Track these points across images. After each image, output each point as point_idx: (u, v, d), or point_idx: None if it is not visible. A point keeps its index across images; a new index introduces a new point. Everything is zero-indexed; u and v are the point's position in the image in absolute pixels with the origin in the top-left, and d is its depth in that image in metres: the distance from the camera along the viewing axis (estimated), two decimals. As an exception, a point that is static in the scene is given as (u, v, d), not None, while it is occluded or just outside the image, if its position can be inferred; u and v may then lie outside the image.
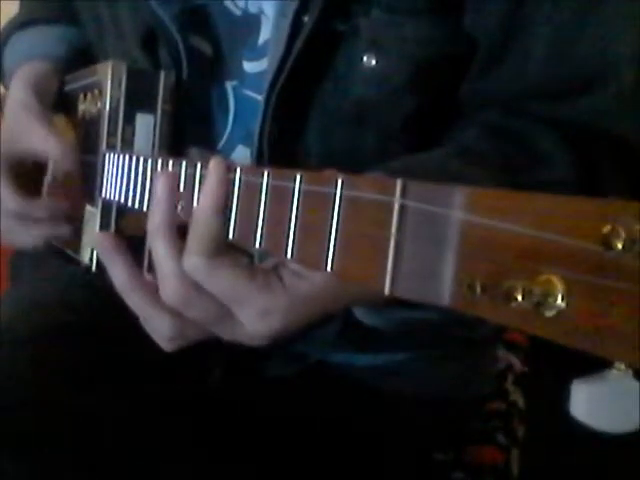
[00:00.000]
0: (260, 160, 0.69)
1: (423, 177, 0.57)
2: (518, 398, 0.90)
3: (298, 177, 0.39)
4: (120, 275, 0.52)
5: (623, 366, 0.26)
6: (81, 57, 0.82)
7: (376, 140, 0.68)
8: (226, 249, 0.47)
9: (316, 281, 0.46)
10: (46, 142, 0.71)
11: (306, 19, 0.63)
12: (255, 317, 0.47)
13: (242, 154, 0.74)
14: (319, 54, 0.65)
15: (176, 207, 0.51)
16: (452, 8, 0.65)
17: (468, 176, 0.56)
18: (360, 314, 0.57)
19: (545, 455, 0.67)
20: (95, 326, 0.74)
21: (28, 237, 0.73)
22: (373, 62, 0.65)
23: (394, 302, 0.44)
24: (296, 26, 0.64)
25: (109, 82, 0.70)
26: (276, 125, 0.67)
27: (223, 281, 0.46)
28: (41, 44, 0.83)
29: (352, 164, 0.62)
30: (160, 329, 0.52)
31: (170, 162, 0.56)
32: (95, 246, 0.56)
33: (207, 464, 0.71)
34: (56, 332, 0.71)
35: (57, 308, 0.75)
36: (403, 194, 0.31)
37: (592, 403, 0.26)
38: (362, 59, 0.65)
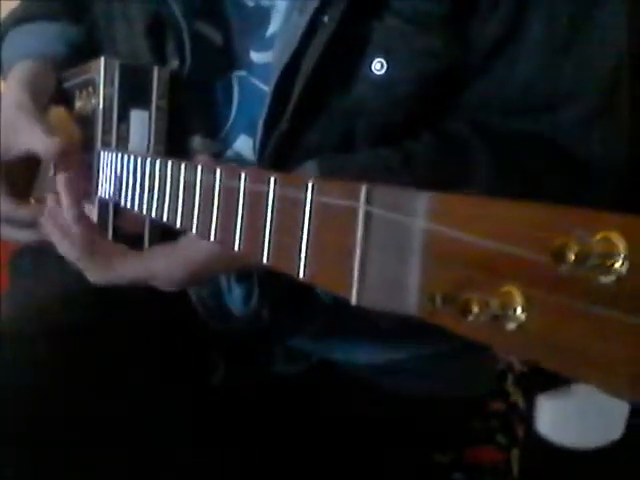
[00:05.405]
0: (263, 150, 0.69)
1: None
2: (518, 398, 0.89)
3: (272, 180, 0.37)
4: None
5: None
6: (80, 56, 0.81)
7: (376, 138, 0.68)
8: None
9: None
10: (39, 140, 0.71)
11: (326, 19, 0.64)
12: None
13: (245, 144, 0.73)
14: (333, 54, 0.65)
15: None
16: (465, 22, 0.65)
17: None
18: None
19: (545, 455, 0.66)
20: (95, 326, 0.73)
21: (17, 238, 0.76)
22: (382, 69, 0.65)
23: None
24: (313, 24, 0.64)
25: (102, 79, 0.69)
26: (282, 118, 0.67)
27: None
28: (39, 42, 0.82)
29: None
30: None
31: (158, 161, 0.55)
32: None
33: (209, 461, 0.71)
34: (56, 332, 0.70)
35: (57, 308, 0.75)
36: (368, 200, 0.30)
37: (556, 419, 0.25)
38: (371, 63, 0.65)
